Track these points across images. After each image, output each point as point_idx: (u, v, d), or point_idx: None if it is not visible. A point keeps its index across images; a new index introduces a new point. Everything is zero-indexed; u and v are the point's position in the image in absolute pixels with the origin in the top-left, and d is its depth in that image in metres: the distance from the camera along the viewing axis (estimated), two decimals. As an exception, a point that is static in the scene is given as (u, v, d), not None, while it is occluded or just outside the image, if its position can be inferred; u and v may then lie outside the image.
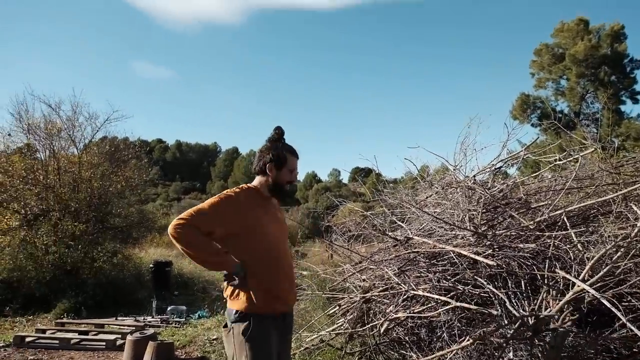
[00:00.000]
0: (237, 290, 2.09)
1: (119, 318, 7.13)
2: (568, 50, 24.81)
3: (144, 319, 7.10)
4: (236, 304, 2.08)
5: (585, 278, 2.64)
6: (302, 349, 4.01)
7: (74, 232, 9.28)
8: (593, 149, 3.67)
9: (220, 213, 2.06)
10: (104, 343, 5.30)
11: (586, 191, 3.71)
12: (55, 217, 9.39)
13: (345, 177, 53.68)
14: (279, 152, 2.26)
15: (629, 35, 25.07)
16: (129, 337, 4.62)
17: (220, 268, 2.12)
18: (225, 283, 2.16)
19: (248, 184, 2.31)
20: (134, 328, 5.95)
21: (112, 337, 5.46)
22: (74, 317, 7.44)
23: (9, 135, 10.33)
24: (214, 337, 5.22)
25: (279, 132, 2.32)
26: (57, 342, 5.37)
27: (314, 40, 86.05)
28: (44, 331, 5.81)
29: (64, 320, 6.95)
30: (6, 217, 9.25)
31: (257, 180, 2.30)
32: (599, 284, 2.64)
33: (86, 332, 5.84)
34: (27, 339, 5.39)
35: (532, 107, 24.99)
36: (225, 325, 2.15)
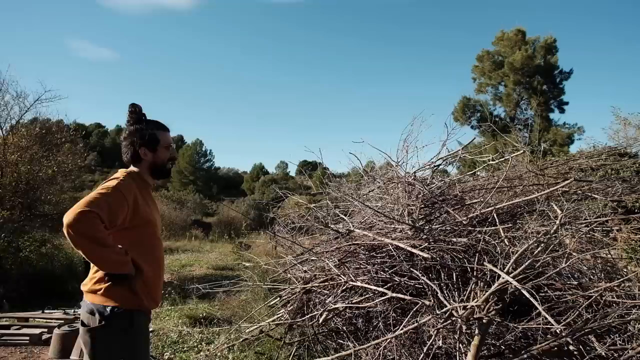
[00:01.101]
0: (107, 284, 1.87)
1: (46, 311, 6.69)
2: (507, 59, 26.32)
3: (74, 311, 6.72)
4: (110, 299, 1.86)
5: (509, 271, 2.83)
6: (241, 340, 3.99)
7: (-4, 218, 8.60)
8: (522, 152, 3.94)
9: (115, 205, 1.83)
10: (27, 338, 4.97)
11: (515, 190, 3.97)
12: (-25, 202, 8.65)
13: (293, 170, 53.72)
14: (147, 132, 2.06)
15: (560, 49, 27.08)
16: (55, 331, 4.37)
17: (121, 269, 1.85)
18: (101, 275, 1.87)
19: (128, 170, 2.07)
20: (62, 321, 5.62)
21: (37, 331, 5.13)
22: (-6, 310, 6.90)
23: None
24: (151, 329, 5.06)
25: (136, 110, 2.09)
26: (-27, 337, 4.96)
27: (263, 31, 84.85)
28: (-43, 325, 5.35)
29: (-18, 313, 6.42)
30: None
31: (134, 168, 2.10)
32: (520, 276, 2.85)
33: (8, 327, 5.44)
34: (-62, 334, 4.94)
35: (473, 110, 26.31)
36: (85, 324, 1.89)
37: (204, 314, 5.38)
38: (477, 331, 2.70)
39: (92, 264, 1.90)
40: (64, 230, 1.72)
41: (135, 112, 2.08)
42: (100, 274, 1.88)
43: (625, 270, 3.61)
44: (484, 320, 2.73)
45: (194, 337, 4.67)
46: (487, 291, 2.82)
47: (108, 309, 1.86)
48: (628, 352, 2.36)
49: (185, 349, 4.37)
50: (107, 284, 1.87)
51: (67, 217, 1.71)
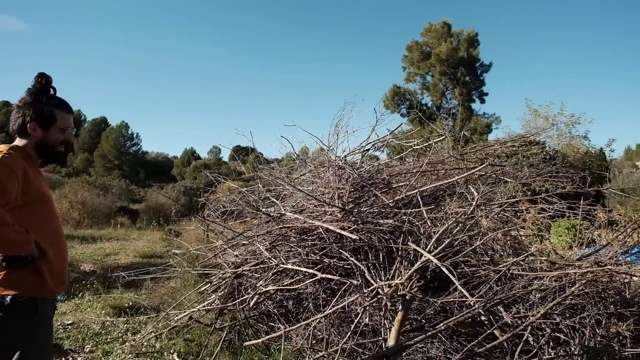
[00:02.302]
0: (4, 271, 1.72)
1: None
2: (434, 50, 27.57)
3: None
4: (10, 287, 1.71)
5: (431, 250, 3.02)
6: (170, 328, 3.89)
7: None
8: (444, 138, 4.18)
9: (5, 181, 1.66)
10: None
11: (437, 174, 4.22)
12: None
13: (225, 155, 52.51)
14: (44, 107, 1.88)
15: (482, 42, 28.86)
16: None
17: (24, 249, 1.70)
18: None
19: (11, 145, 1.88)
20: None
21: None
22: None
23: None
24: (69, 321, 4.75)
25: (42, 81, 1.90)
26: None
27: (187, 10, 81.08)
28: None
29: None
30: None
31: (20, 141, 1.91)
32: (441, 255, 3.05)
33: None
34: None
35: (402, 98, 27.35)
36: None
37: (130, 304, 5.14)
38: (400, 307, 2.85)
39: None
40: None
41: (40, 82, 1.89)
42: None
43: (530, 246, 4.00)
44: (407, 297, 2.90)
45: (119, 327, 4.47)
46: (410, 269, 2.99)
47: (8, 298, 1.70)
48: (529, 319, 2.62)
49: (108, 340, 4.16)
50: (4, 271, 1.71)
51: None
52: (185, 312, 3.89)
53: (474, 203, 3.32)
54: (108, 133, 44.93)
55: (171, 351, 3.61)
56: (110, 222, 19.78)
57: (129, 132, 46.19)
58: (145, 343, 3.84)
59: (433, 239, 3.08)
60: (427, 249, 3.00)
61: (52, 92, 1.92)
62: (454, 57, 27.15)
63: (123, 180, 32.26)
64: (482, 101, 29.16)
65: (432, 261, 2.82)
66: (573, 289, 2.78)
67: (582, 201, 3.84)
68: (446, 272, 2.67)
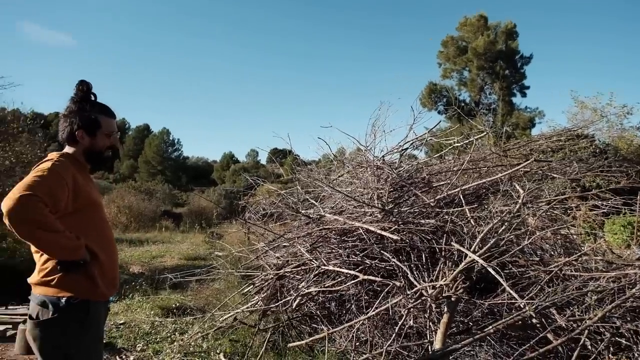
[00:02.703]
0: (60, 274, 1.76)
1: (10, 307, 6.45)
2: (470, 44, 26.84)
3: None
4: (65, 289, 1.76)
5: (476, 250, 2.93)
6: (215, 328, 3.98)
7: (-49, 214, 8.16)
8: (484, 134, 4.05)
9: (54, 187, 1.70)
10: (-10, 336, 4.78)
11: (480, 172, 4.10)
12: None
13: (263, 158, 53.31)
14: (89, 114, 1.92)
15: (520, 34, 27.81)
16: (20, 327, 4.22)
17: (75, 255, 1.74)
18: (52, 265, 1.76)
19: (61, 152, 1.92)
20: (27, 317, 5.44)
21: (1, 327, 4.94)
22: (-48, 310, 6.60)
23: None
24: (121, 321, 4.97)
25: (83, 89, 1.94)
26: None
27: (228, 17, 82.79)
28: None
29: (-61, 314, 6.13)
30: None
31: (69, 149, 1.95)
32: (486, 255, 2.96)
33: (-32, 326, 5.21)
34: None
35: (439, 95, 26.78)
36: (33, 317, 1.79)
37: (177, 304, 5.31)
38: (446, 309, 2.79)
39: (40, 254, 1.78)
40: (5, 219, 1.58)
41: (82, 90, 1.94)
42: (51, 263, 1.77)
43: (582, 245, 3.80)
44: (452, 299, 2.83)
45: (167, 327, 4.62)
46: (454, 270, 2.92)
47: (63, 300, 1.75)
48: (586, 322, 2.49)
49: (158, 339, 4.31)
50: (60, 274, 1.76)
51: (6, 204, 1.57)
52: (229, 313, 3.97)
53: (519, 201, 3.20)
54: (151, 140, 46.67)
55: (217, 351, 3.69)
56: (156, 225, 20.51)
57: (170, 138, 47.81)
58: (192, 343, 3.94)
59: (478, 239, 2.99)
60: (471, 249, 2.92)
61: (93, 98, 1.98)
62: (492, 50, 26.30)
63: (166, 185, 33.38)
64: (524, 95, 28.11)
65: (477, 262, 2.75)
66: (634, 290, 2.62)
67: (639, 197, 3.62)
68: (493, 272, 2.59)
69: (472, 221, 3.38)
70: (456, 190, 3.51)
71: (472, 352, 3.09)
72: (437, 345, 2.65)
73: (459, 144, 3.99)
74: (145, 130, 49.43)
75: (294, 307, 3.53)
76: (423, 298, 2.89)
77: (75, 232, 1.77)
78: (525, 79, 27.86)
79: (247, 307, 3.95)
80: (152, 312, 5.23)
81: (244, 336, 3.96)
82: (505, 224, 3.16)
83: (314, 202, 4.03)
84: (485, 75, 26.96)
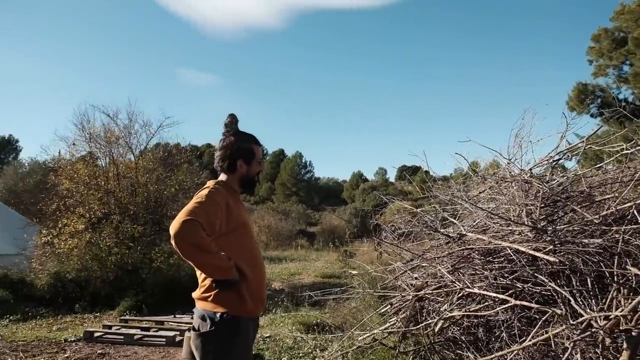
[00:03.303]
0: (215, 291, 1.94)
1: (177, 315, 7.43)
2: (630, 34, 23.11)
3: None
4: (219, 305, 1.94)
5: (661, 275, 2.44)
6: (355, 347, 3.99)
7: (133, 234, 9.81)
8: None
9: (211, 213, 1.89)
10: (164, 339, 5.55)
11: (658, 182, 3.43)
12: (116, 220, 9.96)
13: (392, 176, 53.05)
14: (246, 145, 2.13)
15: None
16: (186, 334, 4.81)
17: (227, 274, 1.91)
18: (209, 283, 1.96)
19: (216, 180, 2.14)
20: (191, 325, 6.17)
21: (171, 333, 5.71)
22: (136, 314, 7.86)
23: (74, 144, 11.11)
24: (267, 335, 5.32)
25: (234, 121, 2.15)
26: (122, 337, 5.68)
27: (355, 39, 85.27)
28: (110, 327, 6.17)
29: (127, 317, 7.35)
30: (73, 221, 9.91)
31: (225, 177, 2.16)
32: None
33: (147, 329, 6.14)
34: (96, 334, 5.74)
35: (591, 97, 23.53)
36: (196, 329, 2.00)
37: (316, 321, 5.51)
38: (625, 345, 2.36)
39: (200, 272, 2.00)
40: (172, 240, 1.79)
41: (234, 122, 2.16)
42: (208, 281, 1.97)
43: None
44: (633, 333, 2.38)
45: (308, 343, 4.80)
46: (634, 299, 2.46)
47: (218, 315, 1.93)
48: None
49: (300, 355, 4.50)
50: (215, 291, 1.94)
51: (173, 228, 1.79)
52: (368, 333, 3.95)
53: None
54: (285, 163, 50.15)
55: (357, 371, 3.69)
56: (292, 243, 21.77)
57: (303, 160, 50.79)
58: (333, 360, 4.01)
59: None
60: (655, 275, 2.43)
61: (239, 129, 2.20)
62: (660, 37, 22.26)
63: (300, 205, 35.41)
64: None
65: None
66: None
67: None
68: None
69: (652, 241, 2.82)
70: (629, 204, 2.98)
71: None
72: (615, 388, 2.24)
73: (629, 150, 3.39)
74: (280, 154, 53.33)
75: (436, 330, 3.36)
76: (592, 330, 2.49)
77: (227, 251, 1.94)
78: None
79: (386, 328, 3.88)
80: (293, 327, 5.50)
81: (384, 357, 3.90)
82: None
83: (452, 220, 3.82)
84: (652, 67, 22.90)
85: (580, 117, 4.57)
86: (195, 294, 2.06)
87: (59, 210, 9.93)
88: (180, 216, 1.83)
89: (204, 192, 1.99)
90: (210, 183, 2.10)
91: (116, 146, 11.14)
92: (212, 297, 1.96)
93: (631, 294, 2.65)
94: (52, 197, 10.26)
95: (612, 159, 3.69)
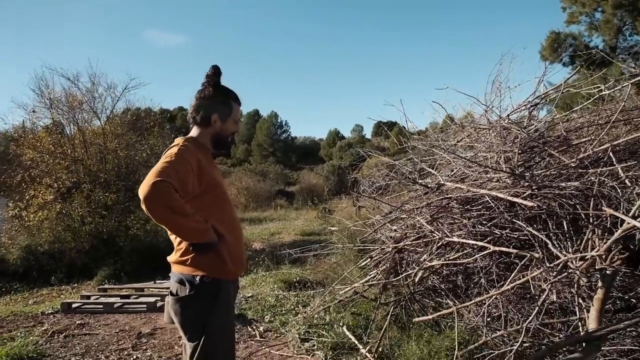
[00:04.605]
0: (193, 254, 1.85)
1: (157, 281, 7.37)
2: (603, -21, 22.95)
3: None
4: (198, 268, 1.85)
5: (636, 215, 2.45)
6: (336, 301, 4.02)
7: (106, 202, 9.54)
8: (638, 78, 3.35)
9: (182, 172, 1.76)
10: (145, 305, 5.49)
11: (632, 123, 3.43)
12: (87, 188, 9.63)
13: (369, 133, 53.04)
14: (224, 100, 1.97)
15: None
16: (167, 299, 4.75)
17: (204, 237, 1.81)
18: (186, 246, 1.86)
19: (186, 137, 1.98)
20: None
21: (152, 299, 5.64)
22: (115, 282, 7.76)
23: (34, 111, 10.52)
24: (249, 294, 5.32)
25: (216, 72, 1.98)
26: (101, 306, 5.59)
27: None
28: (88, 297, 6.06)
29: (106, 286, 7.24)
30: (41, 192, 9.54)
31: (197, 132, 2.00)
32: (651, 220, 2.45)
33: (127, 297, 6.06)
34: (74, 305, 5.63)
35: (564, 46, 23.56)
36: (174, 294, 1.90)
37: (298, 278, 5.53)
38: (600, 283, 2.39)
39: (174, 236, 1.88)
40: (142, 205, 1.68)
41: (216, 74, 1.98)
42: (184, 244, 1.87)
43: None
44: (607, 271, 2.41)
45: (290, 300, 4.82)
46: (608, 239, 2.48)
47: (197, 278, 1.85)
48: None
49: (283, 311, 4.52)
50: (193, 254, 1.85)
51: (142, 191, 1.67)
52: (349, 287, 3.97)
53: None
54: (261, 124, 49.34)
55: (340, 324, 3.72)
56: (271, 204, 21.77)
57: (279, 120, 50.07)
58: (315, 315, 4.04)
59: (638, 202, 2.49)
60: (630, 214, 2.45)
61: (221, 83, 2.01)
62: (631, -18, 22.20)
63: (278, 166, 35.21)
64: (675, 31, 23.35)
65: (638, 228, 2.29)
66: None
67: None
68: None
69: (627, 182, 2.83)
70: (604, 146, 2.97)
71: (633, 333, 2.64)
72: (591, 324, 2.29)
73: (607, 92, 3.34)
74: (255, 115, 52.34)
75: (416, 281, 3.38)
76: (569, 271, 2.52)
77: (202, 214, 1.83)
78: (676, 12, 23.11)
79: (367, 281, 3.90)
80: (275, 286, 5.51)
81: (366, 310, 3.94)
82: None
83: (430, 170, 3.77)
84: (624, 14, 22.97)
85: (553, 65, 4.48)
86: (171, 258, 1.95)
87: (24, 182, 9.52)
88: (149, 178, 1.69)
89: (173, 150, 1.85)
90: (179, 140, 1.94)
91: (80, 111, 10.62)
92: (190, 260, 1.86)
93: (606, 234, 2.68)
94: (16, 168, 9.80)
95: (589, 101, 3.65)
